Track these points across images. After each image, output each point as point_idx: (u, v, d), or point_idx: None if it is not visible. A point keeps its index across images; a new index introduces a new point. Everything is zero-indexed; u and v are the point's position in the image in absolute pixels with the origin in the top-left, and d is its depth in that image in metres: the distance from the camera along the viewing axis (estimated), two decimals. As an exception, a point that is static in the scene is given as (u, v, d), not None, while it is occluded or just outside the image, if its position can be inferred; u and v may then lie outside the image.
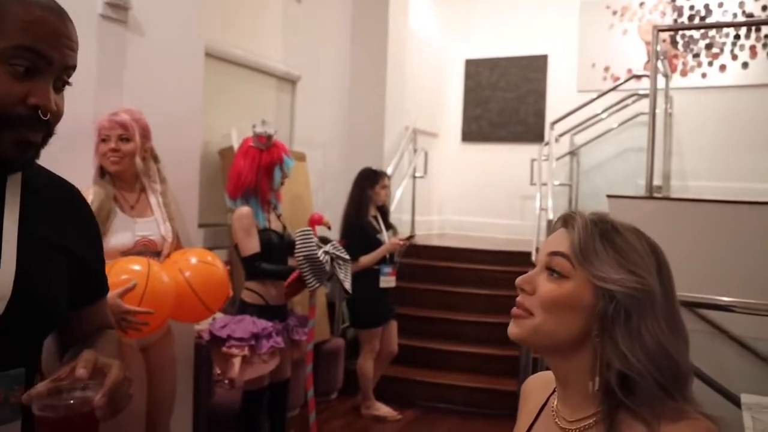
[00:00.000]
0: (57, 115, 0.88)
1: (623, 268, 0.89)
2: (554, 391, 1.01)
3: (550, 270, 0.92)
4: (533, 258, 4.23)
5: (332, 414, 4.08)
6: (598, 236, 0.91)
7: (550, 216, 4.37)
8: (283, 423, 3.14)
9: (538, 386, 1.07)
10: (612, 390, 0.87)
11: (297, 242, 2.81)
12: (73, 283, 1.00)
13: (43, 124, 0.86)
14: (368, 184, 3.97)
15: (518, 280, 0.95)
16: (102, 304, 1.10)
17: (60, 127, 0.98)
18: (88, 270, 1.04)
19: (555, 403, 0.99)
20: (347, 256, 2.96)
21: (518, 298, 0.95)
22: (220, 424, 3.10)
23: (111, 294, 1.98)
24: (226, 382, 2.85)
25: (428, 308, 4.97)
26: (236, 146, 3.74)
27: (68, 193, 1.05)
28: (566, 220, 0.96)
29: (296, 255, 2.79)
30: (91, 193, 2.20)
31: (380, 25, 5.38)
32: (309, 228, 2.87)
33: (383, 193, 4.00)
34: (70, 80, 0.93)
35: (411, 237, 4.38)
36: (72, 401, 0.82)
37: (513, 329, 0.94)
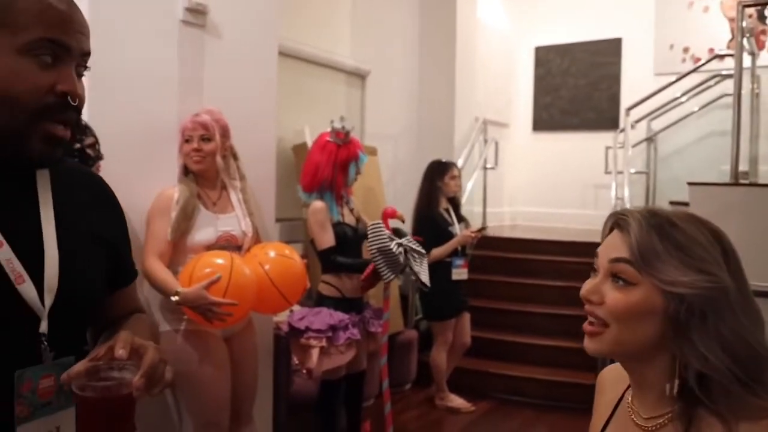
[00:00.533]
0: (82, 101, 0.90)
1: (690, 267, 0.85)
2: (629, 386, 0.99)
3: (615, 277, 0.89)
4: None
5: (406, 405, 4.13)
6: (656, 235, 0.87)
7: (627, 205, 4.23)
8: (358, 413, 3.21)
9: (614, 378, 1.05)
10: (690, 390, 0.84)
11: (369, 236, 2.85)
12: (107, 269, 1.03)
13: (72, 109, 0.88)
14: (437, 176, 3.97)
15: (583, 291, 0.92)
16: (132, 288, 1.13)
17: (146, 129, 1.03)
18: (119, 255, 1.07)
19: (630, 398, 0.97)
20: (423, 251, 2.99)
21: (587, 308, 0.92)
22: (298, 412, 3.20)
23: (197, 286, 2.10)
24: (305, 372, 2.94)
25: (501, 300, 4.93)
26: (309, 142, 3.83)
27: (93, 183, 1.07)
28: (618, 222, 0.92)
29: (369, 248, 2.83)
30: (176, 191, 2.31)
31: (448, 16, 5.35)
32: (380, 221, 2.91)
33: (452, 183, 3.99)
34: (150, 82, 0.98)
35: (483, 228, 4.35)
36: (110, 382, 0.84)
37: (590, 345, 0.92)
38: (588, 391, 2.50)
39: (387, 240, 2.82)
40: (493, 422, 3.95)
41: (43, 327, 0.89)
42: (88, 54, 0.90)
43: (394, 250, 2.81)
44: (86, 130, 1.96)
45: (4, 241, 0.86)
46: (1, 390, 0.85)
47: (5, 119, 0.84)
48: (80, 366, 0.85)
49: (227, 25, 2.65)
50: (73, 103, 0.87)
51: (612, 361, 1.03)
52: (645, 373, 0.91)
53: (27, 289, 0.87)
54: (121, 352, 0.87)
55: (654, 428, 0.90)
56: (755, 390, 0.83)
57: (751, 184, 3.88)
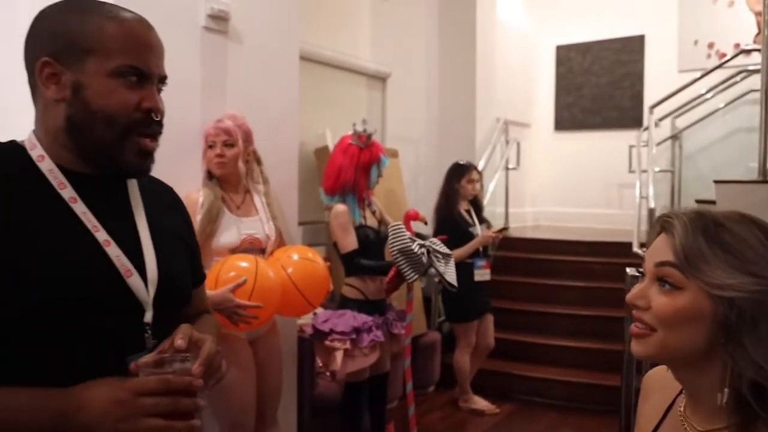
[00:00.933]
0: (163, 116, 1.01)
1: (738, 269, 0.82)
2: (681, 391, 0.96)
3: (661, 281, 0.87)
4: (634, 248, 4.07)
5: (430, 407, 4.12)
6: (702, 237, 0.84)
7: (652, 204, 4.18)
8: (382, 415, 3.21)
9: (662, 383, 1.01)
10: (745, 401, 0.80)
11: (390, 237, 2.86)
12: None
13: (156, 123, 0.99)
14: (455, 178, 3.96)
15: (629, 296, 0.91)
16: (202, 289, 1.23)
17: (171, 135, 1.09)
18: (193, 256, 1.17)
19: (683, 406, 0.93)
20: (448, 251, 2.97)
21: (635, 314, 0.90)
22: (323, 414, 3.21)
23: (223, 289, 2.12)
24: (329, 374, 2.95)
25: (524, 301, 4.90)
26: (331, 146, 3.85)
27: (167, 190, 1.18)
28: (664, 224, 0.90)
29: (390, 250, 2.84)
30: (201, 194, 2.35)
31: (468, 17, 5.34)
32: (399, 223, 2.91)
33: (470, 187, 3.96)
34: (174, 89, 1.09)
35: (504, 229, 4.33)
36: (173, 371, 0.89)
37: (637, 348, 0.90)
38: (613, 392, 2.48)
39: (408, 241, 2.82)
40: (518, 424, 3.93)
41: (148, 317, 0.98)
42: (165, 78, 1.02)
43: (415, 250, 2.81)
44: None
45: (112, 240, 0.96)
46: (113, 374, 0.91)
47: (101, 134, 0.95)
48: (148, 357, 0.92)
49: (248, 30, 2.68)
50: (156, 119, 0.98)
51: (641, 365, 1.01)
52: (696, 381, 0.88)
53: (135, 281, 0.97)
54: (179, 342, 0.94)
55: None
56: None
57: (779, 182, 3.80)
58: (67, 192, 0.96)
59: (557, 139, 6.96)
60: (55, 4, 0.99)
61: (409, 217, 3.03)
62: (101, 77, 0.94)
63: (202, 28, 2.48)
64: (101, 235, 0.96)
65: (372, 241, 3.02)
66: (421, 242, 2.87)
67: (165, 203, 1.13)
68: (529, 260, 5.20)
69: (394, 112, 4.85)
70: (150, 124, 0.98)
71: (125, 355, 0.93)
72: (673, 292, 0.85)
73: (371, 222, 3.09)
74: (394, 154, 4.38)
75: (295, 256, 2.50)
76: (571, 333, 4.56)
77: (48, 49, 0.95)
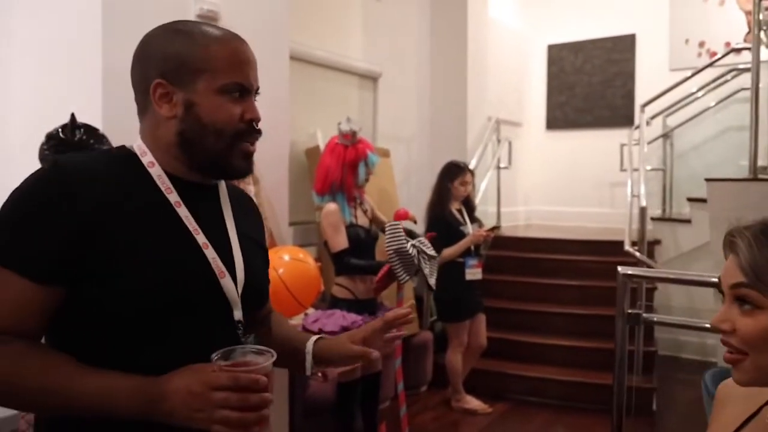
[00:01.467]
0: (259, 122, 1.10)
1: None
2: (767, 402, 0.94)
3: (740, 301, 0.86)
4: (626, 247, 4.08)
5: (422, 407, 4.12)
6: None
7: (643, 203, 4.18)
8: (375, 414, 3.20)
9: (743, 393, 0.99)
10: None
11: (387, 236, 2.84)
12: None
13: (256, 131, 1.08)
14: (448, 178, 3.95)
15: (713, 320, 0.90)
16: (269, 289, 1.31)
17: None
18: (265, 257, 1.24)
19: None
20: (433, 252, 2.97)
21: (722, 339, 0.89)
22: (315, 415, 3.20)
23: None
24: (320, 375, 2.94)
25: (517, 300, 4.90)
26: (322, 145, 3.83)
27: (247, 197, 1.27)
28: (729, 244, 0.89)
29: (386, 249, 2.82)
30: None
31: (459, 17, 5.34)
32: (398, 222, 2.90)
33: (462, 189, 3.95)
34: None
35: (495, 228, 4.32)
36: (245, 361, 0.96)
37: (736, 376, 0.89)
38: (606, 391, 2.47)
39: (404, 241, 2.81)
40: (511, 424, 3.93)
41: (238, 315, 1.06)
42: (258, 89, 1.12)
43: (410, 251, 2.80)
44: (103, 138, 1.97)
45: (209, 244, 1.04)
46: None
47: (211, 145, 1.04)
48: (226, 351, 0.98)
49: (238, 30, 2.62)
50: (256, 127, 1.08)
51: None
52: None
53: (227, 282, 1.04)
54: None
55: None
56: None
57: (770, 180, 3.81)
58: (173, 197, 1.04)
59: (549, 138, 6.97)
60: (160, 28, 1.08)
61: (399, 216, 3.03)
62: (210, 95, 1.03)
63: (191, 27, 2.46)
64: (201, 238, 1.04)
65: (363, 240, 3.01)
66: (413, 242, 2.86)
67: (245, 209, 1.21)
68: (522, 259, 5.21)
69: (386, 112, 4.84)
70: (252, 132, 1.07)
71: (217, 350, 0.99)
72: (754, 311, 0.85)
73: (362, 221, 3.08)
74: (385, 153, 4.37)
75: (286, 257, 2.49)
76: (565, 332, 4.56)
77: (159, 70, 1.04)
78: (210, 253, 1.04)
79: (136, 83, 1.08)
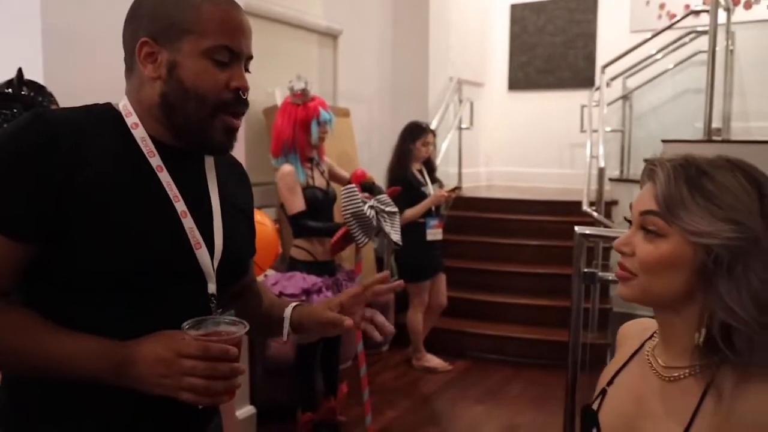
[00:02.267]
0: (248, 94, 1.05)
1: (717, 216, 0.84)
2: (651, 336, 1.00)
3: (645, 229, 0.90)
4: (584, 207, 4.14)
5: (384, 366, 4.17)
6: (684, 185, 0.86)
7: (602, 164, 4.24)
8: (335, 375, 3.22)
9: (635, 332, 1.06)
10: (714, 342, 0.85)
11: (343, 200, 2.81)
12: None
13: (243, 103, 1.03)
14: (410, 139, 3.93)
15: (616, 243, 0.94)
16: (252, 261, 1.27)
17: (102, 90, 1.06)
18: (252, 229, 1.21)
19: (652, 347, 0.98)
20: (394, 209, 2.93)
21: (620, 260, 0.93)
22: (275, 375, 3.20)
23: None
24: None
25: (477, 260, 4.96)
26: (280, 104, 3.75)
27: (235, 164, 1.22)
28: (648, 172, 0.91)
29: (343, 213, 2.79)
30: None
31: (421, -27, 5.22)
32: (353, 185, 2.86)
33: (424, 150, 3.94)
34: (114, 50, 1.09)
35: (456, 188, 4.33)
36: (219, 331, 0.95)
37: (622, 290, 0.94)
38: (563, 347, 2.53)
39: (360, 203, 2.78)
40: (471, 380, 4.01)
41: (212, 288, 1.03)
42: (251, 57, 1.06)
43: (367, 213, 2.77)
44: (51, 97, 1.88)
45: (188, 212, 1.01)
46: None
47: (192, 111, 0.99)
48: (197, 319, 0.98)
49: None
50: (243, 96, 1.03)
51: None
52: (674, 322, 0.91)
53: (202, 254, 1.01)
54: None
55: (672, 379, 0.91)
56: None
57: (724, 141, 3.89)
58: (155, 160, 1.00)
59: (511, 98, 6.96)
60: None
61: (357, 177, 2.98)
62: (195, 57, 0.99)
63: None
64: (180, 205, 1.00)
65: (320, 201, 2.98)
66: (371, 204, 2.82)
67: (234, 176, 1.17)
68: (483, 219, 5.25)
69: (346, 71, 4.74)
70: (238, 103, 1.02)
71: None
72: (656, 239, 0.88)
73: (319, 182, 3.04)
74: (345, 113, 4.30)
75: (243, 218, 2.44)
76: (524, 291, 4.65)
77: (147, 30, 1.00)
78: (188, 222, 1.00)
79: (126, 42, 1.04)
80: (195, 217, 1.02)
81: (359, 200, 2.77)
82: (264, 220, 2.51)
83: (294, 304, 1.20)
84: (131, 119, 1.02)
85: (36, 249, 0.93)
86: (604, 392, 1.02)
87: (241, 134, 3.05)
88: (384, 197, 2.94)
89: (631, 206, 0.96)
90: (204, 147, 1.06)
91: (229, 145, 1.05)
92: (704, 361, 0.87)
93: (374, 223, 2.79)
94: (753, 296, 0.82)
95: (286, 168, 2.93)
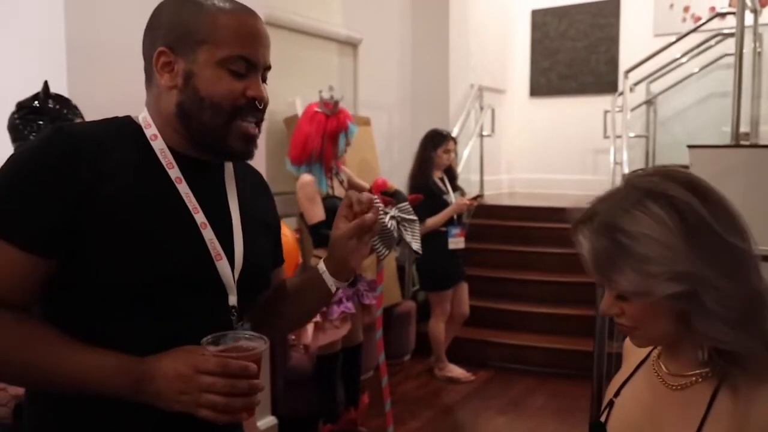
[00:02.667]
0: (267, 103, 1.05)
1: (647, 273, 0.83)
2: (656, 346, 1.01)
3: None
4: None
5: (406, 376, 4.13)
6: (606, 244, 0.87)
7: (626, 170, 4.17)
8: (357, 386, 3.20)
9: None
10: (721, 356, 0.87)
11: None
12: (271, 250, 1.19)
13: (259, 111, 1.03)
14: (431, 146, 3.90)
15: (601, 309, 0.96)
16: (281, 270, 1.26)
17: (131, 104, 1.09)
18: (275, 239, 1.21)
19: (657, 356, 0.98)
20: (414, 216, 2.88)
21: (616, 320, 0.95)
22: (297, 387, 3.19)
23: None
24: (302, 347, 2.92)
25: (499, 269, 4.91)
26: (300, 114, 3.75)
27: (255, 173, 1.21)
28: (575, 243, 0.93)
29: None
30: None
31: (441, -20, 5.21)
32: (375, 197, 2.79)
33: (445, 157, 3.92)
34: (131, 58, 1.11)
35: (478, 196, 4.31)
36: (236, 347, 0.94)
37: (634, 342, 0.97)
38: (588, 357, 2.49)
39: (383, 216, 2.71)
40: (494, 391, 3.96)
41: (233, 300, 1.02)
42: (269, 67, 1.06)
43: (389, 226, 2.71)
44: (76, 110, 1.90)
45: (208, 224, 1.00)
46: None
47: (208, 119, 0.99)
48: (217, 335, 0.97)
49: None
50: (259, 107, 1.02)
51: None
52: (681, 344, 0.93)
53: (223, 265, 1.00)
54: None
55: (679, 387, 0.91)
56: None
57: (752, 146, 3.81)
58: (174, 172, 1.00)
59: (532, 105, 6.91)
60: None
61: (378, 186, 2.96)
62: (210, 66, 0.98)
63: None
64: (200, 217, 1.00)
65: (341, 211, 2.96)
66: (392, 214, 2.78)
67: (254, 187, 1.16)
68: (505, 227, 5.20)
69: (366, 79, 4.74)
70: (253, 110, 1.02)
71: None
72: (625, 299, 0.90)
73: (339, 192, 3.04)
74: (366, 122, 4.30)
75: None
76: (547, 300, 4.58)
77: (165, 39, 1.00)
78: (208, 233, 1.00)
79: (145, 52, 1.04)
80: (215, 228, 1.01)
81: (381, 212, 2.71)
82: (284, 230, 2.50)
83: (321, 260, 1.15)
84: (150, 131, 1.02)
85: (56, 263, 0.93)
86: (611, 404, 1.02)
87: (261, 144, 3.06)
88: (405, 205, 2.90)
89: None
90: (223, 154, 1.05)
91: (248, 151, 1.04)
92: (710, 368, 0.88)
93: (395, 234, 2.74)
94: (725, 322, 0.83)
95: (306, 178, 2.92)
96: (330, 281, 1.13)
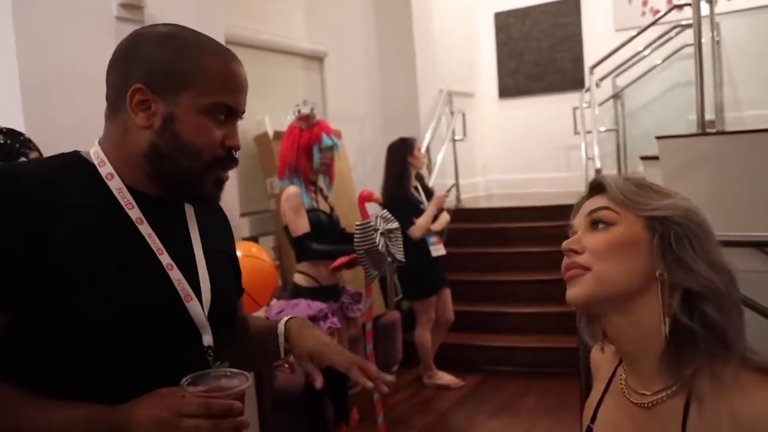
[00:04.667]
0: (238, 150, 1.03)
1: (669, 197, 0.89)
2: (620, 362, 0.96)
3: (594, 224, 0.90)
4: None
5: (395, 387, 4.09)
6: (633, 185, 0.91)
7: (598, 164, 4.20)
8: (345, 402, 3.17)
9: (606, 357, 1.01)
10: (682, 327, 0.83)
11: (356, 236, 2.59)
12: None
13: (234, 160, 1.01)
14: (406, 152, 3.91)
15: (564, 243, 0.92)
16: (241, 300, 1.24)
17: (86, 133, 1.06)
18: (236, 270, 1.17)
19: (623, 376, 0.94)
20: (395, 223, 2.78)
21: (567, 262, 0.90)
22: (285, 407, 3.14)
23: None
24: (287, 366, 2.87)
25: (481, 272, 4.91)
26: (270, 132, 3.73)
27: (213, 204, 1.16)
28: (597, 185, 0.95)
29: (357, 249, 2.64)
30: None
31: (402, -11, 5.23)
32: (366, 222, 2.69)
33: (421, 156, 3.98)
34: (86, 84, 1.12)
35: (452, 186, 4.34)
36: (219, 386, 0.91)
37: (573, 290, 0.89)
38: (574, 354, 2.48)
39: (374, 239, 2.62)
40: (484, 395, 3.95)
41: (207, 340, 0.98)
42: (244, 113, 1.03)
43: (380, 248, 2.62)
44: (29, 143, 1.85)
45: (174, 265, 0.96)
46: None
47: (185, 164, 0.96)
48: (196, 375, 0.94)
49: (166, 17, 2.50)
50: (235, 155, 1.00)
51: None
52: (632, 330, 0.88)
53: (194, 306, 0.97)
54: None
55: (650, 404, 0.87)
56: (736, 337, 0.84)
57: (718, 133, 3.86)
58: (135, 212, 0.96)
59: (502, 106, 6.96)
60: (155, 31, 0.99)
61: (364, 199, 2.83)
62: (194, 112, 0.96)
63: (115, 18, 2.32)
64: (165, 258, 0.96)
65: (324, 224, 2.94)
66: (381, 230, 2.68)
67: (212, 218, 1.13)
68: (483, 230, 5.21)
69: (335, 92, 4.73)
70: (230, 160, 1.00)
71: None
72: (607, 228, 0.89)
73: (323, 206, 3.01)
74: (337, 135, 4.27)
75: (238, 254, 2.40)
76: (530, 299, 4.59)
77: (142, 76, 0.95)
78: (175, 274, 0.96)
79: (114, 82, 0.98)
80: (180, 268, 0.97)
81: (373, 236, 2.60)
82: (260, 254, 2.47)
83: (285, 319, 1.14)
84: (105, 169, 0.97)
85: (11, 317, 0.87)
86: (590, 430, 0.98)
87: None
88: (386, 213, 2.81)
89: (572, 223, 0.97)
90: (193, 199, 1.03)
91: (218, 197, 1.03)
92: (676, 378, 0.85)
93: (386, 254, 2.64)
94: (708, 262, 0.85)
95: (292, 189, 2.90)
96: (282, 347, 1.11)
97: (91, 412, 0.87)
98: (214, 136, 0.96)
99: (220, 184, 1.01)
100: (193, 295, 0.97)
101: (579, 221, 0.94)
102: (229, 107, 0.98)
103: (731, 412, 0.81)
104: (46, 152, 1.92)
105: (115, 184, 0.96)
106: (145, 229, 0.96)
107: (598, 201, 0.92)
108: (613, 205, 0.89)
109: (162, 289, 0.95)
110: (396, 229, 2.77)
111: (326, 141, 2.98)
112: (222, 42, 3.00)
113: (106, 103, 1.00)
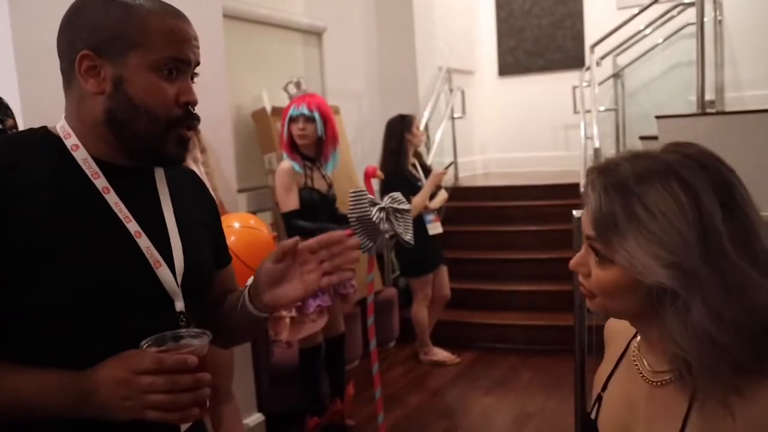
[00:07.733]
0: (196, 104, 1.02)
1: (650, 251, 0.79)
2: (635, 335, 0.97)
3: (594, 251, 0.87)
4: (582, 189, 4.10)
5: (392, 363, 4.14)
6: (617, 208, 0.81)
7: (597, 144, 4.19)
8: (341, 377, 3.19)
9: (621, 328, 1.02)
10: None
11: (350, 203, 2.62)
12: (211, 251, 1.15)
13: (194, 117, 1.01)
14: (405, 129, 3.89)
15: (571, 263, 0.92)
16: (228, 270, 1.22)
17: None
18: (216, 239, 1.17)
19: (637, 347, 0.95)
20: (407, 206, 2.74)
21: (579, 279, 0.92)
22: (281, 382, 3.18)
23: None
24: (284, 343, 2.89)
25: (479, 250, 4.93)
26: (268, 107, 3.70)
27: (190, 173, 1.18)
28: (584, 194, 0.89)
29: (349, 216, 2.65)
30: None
31: (402, -36, 5.16)
32: (362, 189, 2.67)
33: (419, 134, 3.96)
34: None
35: (450, 164, 4.31)
36: (179, 346, 0.92)
37: (589, 304, 0.93)
38: (569, 332, 2.50)
39: (367, 208, 2.60)
40: (479, 371, 3.98)
41: (179, 306, 1.00)
42: (198, 63, 1.03)
43: (374, 219, 2.60)
44: (7, 110, 1.83)
45: (142, 232, 0.97)
46: None
47: (143, 127, 0.96)
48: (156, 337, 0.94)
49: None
50: (192, 110, 1.00)
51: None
52: (647, 330, 0.90)
53: (164, 272, 0.98)
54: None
55: (660, 383, 0.88)
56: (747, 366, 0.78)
57: (718, 113, 3.85)
58: (101, 182, 0.97)
59: (502, 84, 6.91)
60: None
61: (369, 175, 2.80)
62: (142, 71, 0.95)
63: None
64: (132, 226, 0.97)
65: (317, 203, 2.93)
66: (382, 205, 2.66)
67: (187, 188, 1.13)
68: (481, 208, 5.21)
69: (333, 68, 4.69)
70: (189, 117, 1.00)
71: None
72: (605, 263, 0.85)
73: (319, 185, 2.99)
74: (335, 110, 4.25)
75: (236, 225, 2.41)
76: (526, 277, 4.61)
77: (87, 42, 0.95)
78: (143, 241, 0.97)
79: (63, 52, 0.98)
80: (150, 235, 0.98)
81: (366, 204, 2.58)
82: (258, 225, 2.47)
83: (252, 278, 1.12)
84: (70, 141, 0.97)
85: None
86: (600, 398, 1.00)
87: (230, 139, 3.02)
88: (398, 194, 2.75)
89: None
90: (157, 162, 1.03)
91: (183, 156, 1.03)
92: (681, 368, 0.83)
93: (382, 227, 2.62)
94: (692, 326, 0.78)
95: (284, 165, 2.90)
96: (247, 302, 1.07)
97: (61, 377, 0.89)
98: (166, 93, 0.96)
99: (183, 143, 1.01)
100: (162, 262, 0.98)
101: (583, 234, 0.90)
102: (177, 59, 0.97)
103: (740, 407, 0.79)
104: (42, 122, 1.90)
105: (80, 155, 0.97)
106: (112, 197, 0.96)
107: (587, 221, 0.86)
108: (597, 239, 0.84)
109: (130, 257, 0.96)
110: (407, 211, 2.70)
111: (292, 111, 2.94)
112: (220, 17, 2.99)
113: (62, 75, 1.00)
